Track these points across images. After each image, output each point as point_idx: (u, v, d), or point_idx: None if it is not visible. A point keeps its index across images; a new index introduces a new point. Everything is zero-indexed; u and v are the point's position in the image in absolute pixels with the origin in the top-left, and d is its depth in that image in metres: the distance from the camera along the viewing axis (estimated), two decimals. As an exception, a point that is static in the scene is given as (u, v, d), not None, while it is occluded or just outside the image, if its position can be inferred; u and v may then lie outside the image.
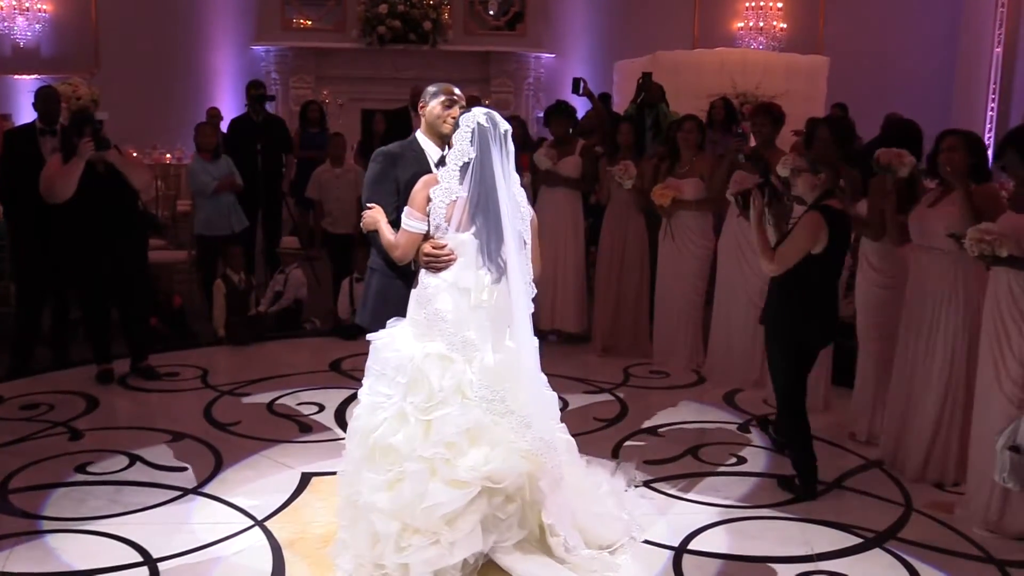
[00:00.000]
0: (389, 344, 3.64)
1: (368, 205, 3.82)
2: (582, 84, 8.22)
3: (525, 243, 3.65)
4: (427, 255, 3.59)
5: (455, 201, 3.57)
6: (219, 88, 12.63)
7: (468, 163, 3.55)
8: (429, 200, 3.59)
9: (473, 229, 3.56)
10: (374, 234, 3.78)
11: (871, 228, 4.97)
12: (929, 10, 13.48)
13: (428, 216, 3.60)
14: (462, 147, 3.56)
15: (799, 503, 4.37)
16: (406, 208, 3.64)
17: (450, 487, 3.39)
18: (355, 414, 3.69)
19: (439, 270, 3.58)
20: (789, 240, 4.33)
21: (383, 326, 3.73)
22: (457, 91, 3.93)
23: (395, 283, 3.85)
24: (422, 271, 3.64)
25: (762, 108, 6.36)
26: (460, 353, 3.52)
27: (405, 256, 3.65)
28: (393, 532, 3.41)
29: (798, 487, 4.46)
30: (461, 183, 3.56)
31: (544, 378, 3.78)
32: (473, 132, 3.54)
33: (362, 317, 4.01)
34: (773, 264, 4.32)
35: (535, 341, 3.72)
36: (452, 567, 3.37)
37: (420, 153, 3.90)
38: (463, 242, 3.57)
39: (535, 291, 3.70)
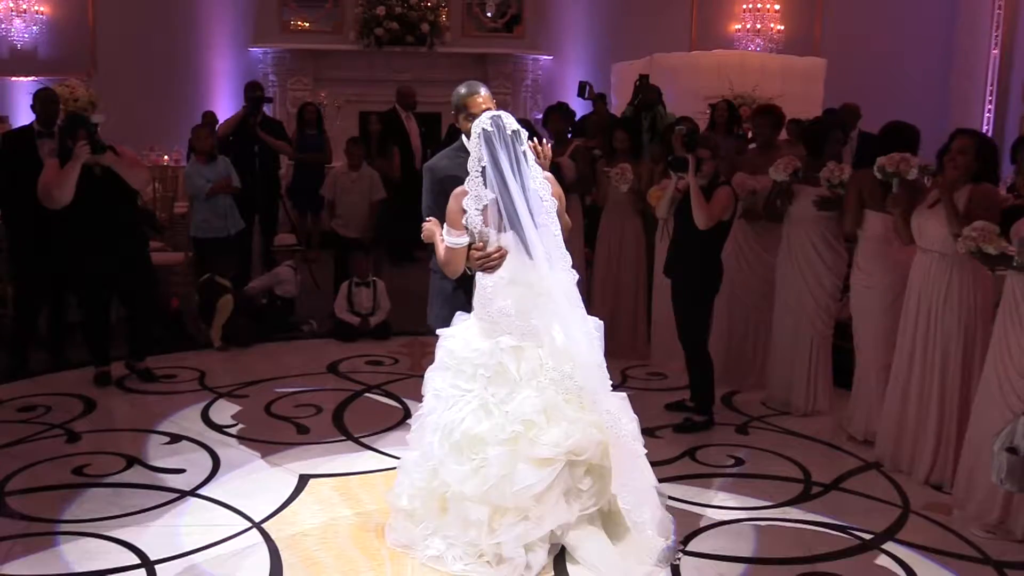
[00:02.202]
0: (463, 342, 3.78)
1: (426, 218, 3.96)
2: (588, 88, 8.20)
3: (555, 234, 3.76)
4: (477, 260, 3.73)
5: (487, 206, 3.69)
6: (216, 90, 12.61)
7: (484, 168, 3.69)
8: (464, 211, 3.71)
9: (511, 227, 3.70)
10: (432, 245, 3.93)
11: (846, 220, 5.11)
12: (926, 12, 13.49)
13: (466, 227, 3.72)
14: (476, 153, 3.70)
15: (792, 504, 4.39)
16: (445, 227, 3.77)
17: (536, 466, 3.56)
18: (430, 408, 3.83)
19: (494, 269, 3.71)
20: (712, 205, 5.19)
21: (447, 323, 3.89)
22: (481, 98, 4.00)
23: (451, 283, 3.99)
24: (479, 273, 3.77)
25: (762, 110, 6.46)
26: (530, 340, 3.67)
27: (456, 271, 3.82)
28: (485, 517, 3.60)
29: (700, 423, 5.33)
30: (486, 187, 3.69)
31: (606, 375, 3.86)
32: (480, 137, 3.67)
33: (430, 318, 4.14)
34: (708, 220, 5.16)
35: (592, 323, 3.83)
36: (540, 539, 3.56)
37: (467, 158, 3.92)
38: (508, 241, 3.70)
39: (576, 276, 3.82)
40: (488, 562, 3.58)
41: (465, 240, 3.75)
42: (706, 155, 5.29)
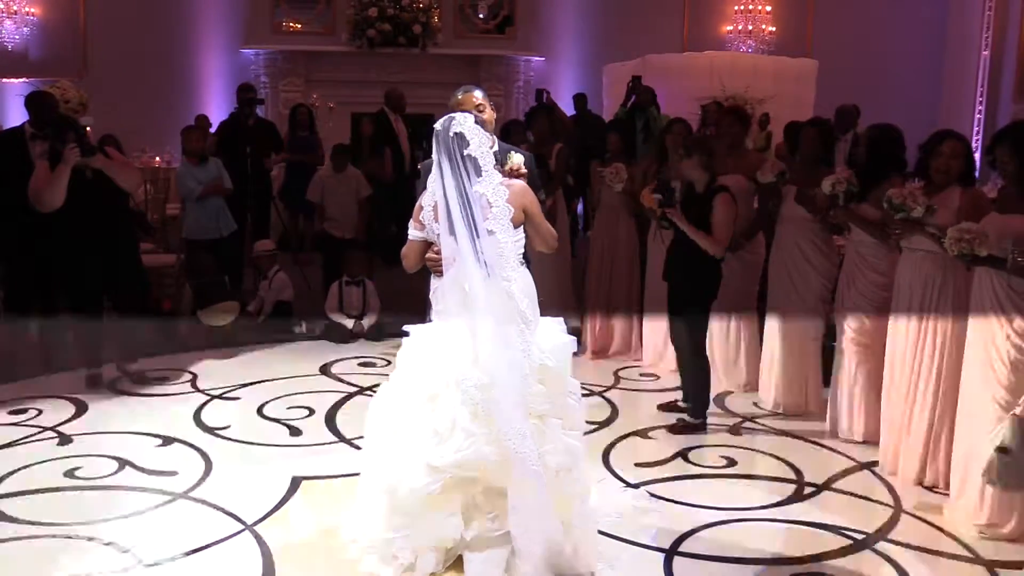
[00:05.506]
0: (412, 337, 3.80)
1: None
2: (545, 95, 8.40)
3: (502, 241, 3.61)
4: (429, 260, 3.74)
5: (436, 204, 3.66)
6: (208, 91, 12.60)
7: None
8: (423, 208, 3.71)
9: (452, 231, 3.62)
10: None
11: (878, 228, 4.95)
12: (917, 13, 13.55)
13: (423, 224, 3.72)
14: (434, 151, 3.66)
15: (785, 505, 4.40)
16: (412, 219, 3.78)
17: (426, 472, 3.54)
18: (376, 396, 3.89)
19: (439, 271, 3.70)
20: (718, 223, 5.08)
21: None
22: (474, 98, 4.07)
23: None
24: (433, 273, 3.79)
25: (730, 110, 6.58)
26: (458, 346, 3.63)
27: (411, 265, 3.82)
28: (384, 508, 3.63)
29: (693, 424, 5.31)
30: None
31: (575, 383, 3.82)
32: (434, 136, 3.64)
33: None
34: (720, 248, 5.11)
35: (557, 343, 3.76)
36: (429, 546, 3.53)
37: None
38: (449, 244, 3.64)
39: (526, 282, 3.69)
40: (380, 559, 3.59)
41: (419, 235, 3.73)
42: (696, 164, 5.19)
